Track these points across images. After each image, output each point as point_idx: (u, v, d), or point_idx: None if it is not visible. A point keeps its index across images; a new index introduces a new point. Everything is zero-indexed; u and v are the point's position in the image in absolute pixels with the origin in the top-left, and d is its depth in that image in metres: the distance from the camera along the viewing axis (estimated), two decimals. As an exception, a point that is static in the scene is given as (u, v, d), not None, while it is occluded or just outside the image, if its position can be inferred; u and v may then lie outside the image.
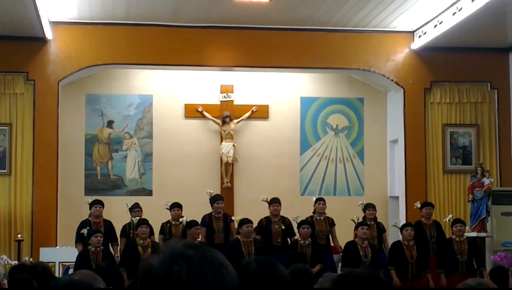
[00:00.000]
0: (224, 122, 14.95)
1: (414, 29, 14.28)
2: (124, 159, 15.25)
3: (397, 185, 15.25)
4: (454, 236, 11.61)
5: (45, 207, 13.43)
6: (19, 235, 12.98)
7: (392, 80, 14.50)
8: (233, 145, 14.86)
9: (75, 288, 3.37)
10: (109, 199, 14.40)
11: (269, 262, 2.73)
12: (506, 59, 14.69)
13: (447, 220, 12.48)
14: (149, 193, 15.08)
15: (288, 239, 12.20)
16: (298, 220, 11.94)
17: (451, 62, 14.52)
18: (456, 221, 11.92)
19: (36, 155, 13.54)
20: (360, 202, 12.97)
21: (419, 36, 14.20)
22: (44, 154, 13.56)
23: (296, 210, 12.88)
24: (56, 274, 11.41)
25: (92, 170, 15.12)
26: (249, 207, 13.39)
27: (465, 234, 11.94)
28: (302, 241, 11.46)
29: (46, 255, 12.35)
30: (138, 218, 11.97)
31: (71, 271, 11.65)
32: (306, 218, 12.09)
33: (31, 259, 12.42)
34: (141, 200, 13.28)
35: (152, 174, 15.23)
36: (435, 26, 13.44)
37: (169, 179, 15.12)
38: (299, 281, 5.24)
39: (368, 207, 12.57)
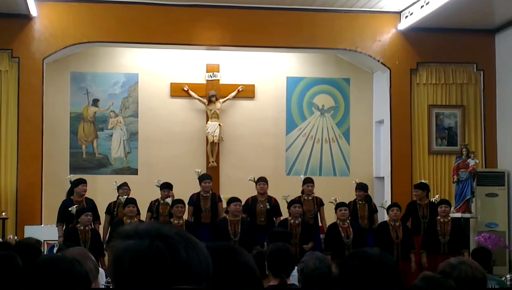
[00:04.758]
0: (210, 102, 14.91)
1: (400, 9, 14.25)
2: (109, 138, 15.20)
3: (383, 166, 15.29)
4: (439, 217, 11.65)
5: (30, 185, 13.37)
6: (3, 213, 12.94)
7: (378, 61, 14.49)
8: (219, 125, 14.83)
9: (54, 265, 3.33)
10: (94, 177, 14.37)
11: (227, 249, 2.45)
12: (492, 40, 14.69)
13: (433, 200, 12.52)
14: (134, 172, 15.05)
15: (274, 219, 12.23)
16: (288, 199, 11.97)
17: (437, 43, 14.51)
18: (441, 202, 11.94)
19: (21, 133, 13.46)
20: (354, 181, 12.94)
21: (406, 17, 14.17)
22: (29, 132, 13.48)
23: (282, 189, 12.90)
24: (41, 253, 11.37)
25: (77, 149, 15.07)
26: (235, 187, 13.38)
27: (450, 215, 11.95)
28: (292, 220, 11.50)
29: (31, 233, 12.22)
30: (126, 197, 11.95)
31: (55, 249, 11.62)
32: (295, 198, 12.11)
33: (16, 237, 12.40)
34: (126, 179, 13.23)
35: (138, 153, 15.19)
36: (422, 6, 13.41)
37: (154, 158, 15.10)
38: (279, 260, 5.25)
39: (358, 187, 12.59)
